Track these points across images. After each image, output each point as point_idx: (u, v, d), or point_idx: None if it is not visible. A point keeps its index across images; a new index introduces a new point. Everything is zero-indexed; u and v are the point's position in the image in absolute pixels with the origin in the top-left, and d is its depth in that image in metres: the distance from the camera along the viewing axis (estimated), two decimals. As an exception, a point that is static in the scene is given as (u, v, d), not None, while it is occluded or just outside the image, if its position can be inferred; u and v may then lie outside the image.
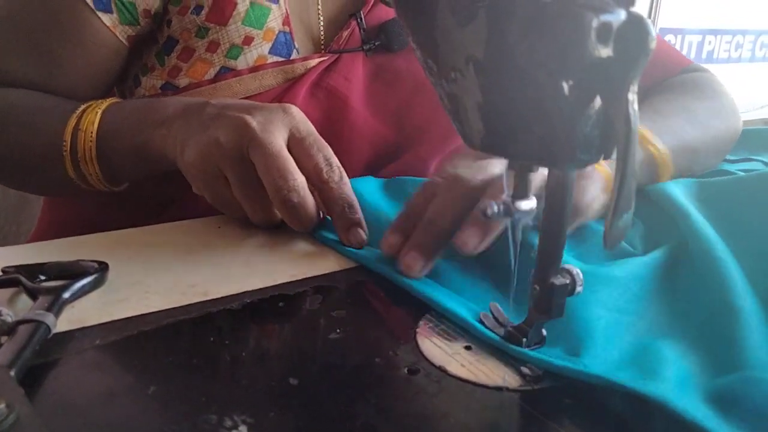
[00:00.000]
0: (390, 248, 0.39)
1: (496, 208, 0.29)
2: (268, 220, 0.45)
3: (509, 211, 0.29)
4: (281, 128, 0.43)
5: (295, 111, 0.44)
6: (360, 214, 0.43)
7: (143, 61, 0.56)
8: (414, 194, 0.41)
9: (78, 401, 0.26)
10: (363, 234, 0.42)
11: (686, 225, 0.41)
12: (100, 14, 0.51)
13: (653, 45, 0.23)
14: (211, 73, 0.54)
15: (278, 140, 0.42)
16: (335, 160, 0.44)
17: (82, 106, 0.50)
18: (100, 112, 0.49)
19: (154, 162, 0.48)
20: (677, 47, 2.21)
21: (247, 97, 0.54)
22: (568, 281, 0.29)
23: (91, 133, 0.48)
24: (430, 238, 0.38)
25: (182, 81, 0.54)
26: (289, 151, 0.43)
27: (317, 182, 0.43)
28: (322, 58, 0.57)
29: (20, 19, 0.53)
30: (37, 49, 0.53)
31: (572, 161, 0.26)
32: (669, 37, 2.26)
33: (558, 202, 0.28)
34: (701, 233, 0.39)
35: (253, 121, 0.42)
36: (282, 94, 0.56)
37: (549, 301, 0.29)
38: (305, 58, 0.56)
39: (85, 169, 0.50)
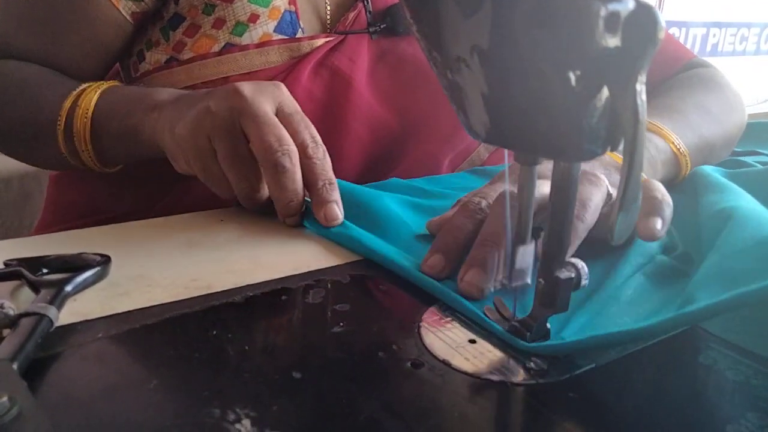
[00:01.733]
0: (432, 269, 0.37)
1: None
2: (253, 195, 0.45)
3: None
4: (270, 100, 0.44)
5: (284, 88, 0.45)
6: (338, 193, 0.44)
7: (148, 36, 0.57)
8: (454, 214, 0.41)
9: (80, 394, 0.26)
10: (338, 211, 0.43)
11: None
12: None
13: (662, 35, 0.23)
14: (215, 48, 0.54)
15: (269, 109, 0.43)
16: (320, 139, 0.45)
17: (83, 86, 0.51)
18: (98, 92, 0.50)
19: (143, 145, 0.49)
20: (681, 40, 2.21)
21: (251, 73, 0.55)
22: (573, 275, 0.29)
23: (87, 110, 0.49)
24: (489, 256, 0.36)
25: (186, 55, 0.55)
26: None
27: (302, 157, 0.43)
28: (328, 38, 0.57)
29: None
30: (43, 24, 0.54)
31: (578, 153, 0.25)
32: (673, 30, 2.25)
33: (564, 195, 0.28)
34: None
35: (244, 90, 0.43)
36: (287, 71, 0.56)
37: (554, 295, 0.29)
38: (311, 37, 0.57)
39: (78, 145, 0.51)
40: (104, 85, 0.52)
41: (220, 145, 0.43)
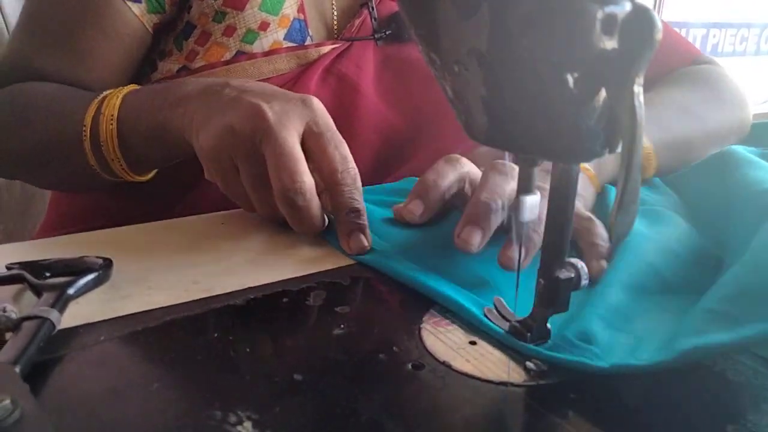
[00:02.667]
0: (410, 213, 0.40)
1: (499, 203, 0.28)
2: (274, 215, 0.43)
3: (513, 204, 0.29)
4: (297, 121, 0.41)
5: (316, 104, 0.43)
6: (365, 221, 0.42)
7: (161, 47, 0.57)
8: (435, 163, 0.43)
9: (82, 397, 0.26)
10: (365, 241, 0.41)
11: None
12: (130, 4, 0.53)
13: (659, 37, 0.23)
14: (227, 56, 0.55)
15: (292, 136, 0.41)
16: (351, 161, 0.42)
17: (104, 93, 0.50)
18: (121, 95, 0.49)
19: (172, 144, 0.47)
20: (682, 40, 2.20)
21: (260, 80, 0.54)
22: (573, 275, 0.29)
23: (112, 116, 0.48)
24: (488, 215, 0.37)
25: (198, 63, 0.55)
26: (304, 144, 0.41)
27: (330, 183, 0.42)
28: (334, 45, 0.58)
29: (52, 12, 0.54)
30: (68, 42, 0.54)
31: (577, 155, 0.26)
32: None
33: (562, 196, 0.28)
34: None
35: (269, 111, 0.41)
36: (295, 79, 0.57)
37: (554, 295, 0.29)
38: (318, 45, 0.57)
39: (107, 154, 0.49)
40: (125, 89, 0.50)
41: (243, 168, 0.42)
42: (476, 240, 0.37)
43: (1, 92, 0.54)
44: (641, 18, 0.23)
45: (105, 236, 0.44)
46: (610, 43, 0.23)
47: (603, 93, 0.24)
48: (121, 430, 0.24)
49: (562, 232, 0.28)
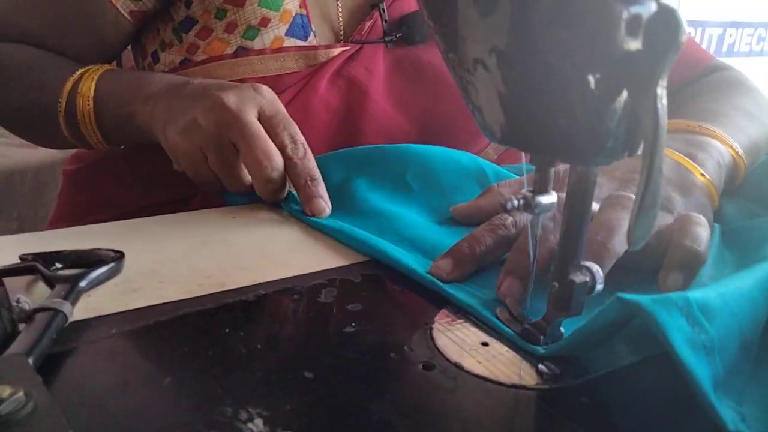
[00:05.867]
0: (439, 270, 0.37)
1: (516, 202, 0.28)
2: (243, 190, 0.48)
3: (529, 205, 0.29)
4: (253, 107, 0.46)
5: (265, 90, 0.48)
6: (322, 187, 0.47)
7: (161, 37, 0.58)
8: (477, 229, 0.40)
9: (94, 390, 0.26)
10: (324, 204, 0.46)
11: None
12: None
13: (684, 38, 0.22)
14: (228, 51, 0.55)
15: (254, 119, 0.45)
16: (300, 137, 0.47)
17: (80, 71, 0.53)
18: (96, 77, 0.52)
19: (141, 132, 0.51)
20: (697, 40, 2.18)
21: (268, 77, 0.55)
22: (587, 279, 0.28)
23: (88, 97, 0.52)
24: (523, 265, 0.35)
25: (200, 56, 0.56)
26: None
27: (284, 157, 0.46)
28: (344, 48, 0.57)
29: None
30: (43, 11, 0.56)
31: (596, 157, 0.25)
32: (689, 30, 2.22)
33: (579, 199, 0.27)
34: None
35: (228, 101, 0.45)
36: (305, 81, 0.56)
37: (568, 299, 0.29)
38: (328, 47, 0.56)
39: (84, 130, 0.53)
40: (99, 70, 0.53)
41: (211, 157, 0.46)
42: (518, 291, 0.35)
43: None
44: (667, 19, 0.22)
45: (117, 228, 0.44)
46: (634, 44, 0.23)
47: (625, 94, 0.24)
48: (132, 423, 0.24)
49: (578, 235, 0.28)
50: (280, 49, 0.55)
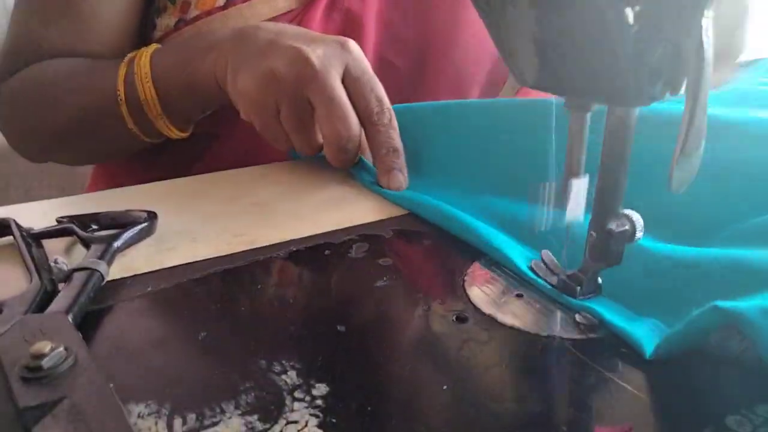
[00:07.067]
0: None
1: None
2: (312, 152, 0.45)
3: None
4: (338, 65, 0.42)
5: (353, 46, 0.44)
6: (403, 159, 0.43)
7: (156, 4, 0.56)
8: None
9: (131, 345, 0.26)
10: (402, 178, 0.43)
11: None
12: None
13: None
14: (220, 2, 0.52)
15: (337, 81, 0.42)
16: (386, 101, 0.44)
17: (129, 55, 0.50)
18: (148, 54, 0.49)
19: (204, 93, 0.48)
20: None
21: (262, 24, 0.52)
22: (627, 227, 0.27)
23: (147, 74, 0.48)
24: None
25: (192, 13, 0.53)
26: (343, 85, 0.42)
27: (367, 123, 0.43)
28: None
29: None
30: (69, 11, 0.53)
31: (637, 96, 0.24)
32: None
33: (619, 143, 0.26)
34: None
35: (312, 55, 0.41)
36: (298, 17, 0.54)
37: (606, 249, 0.28)
38: None
39: (150, 113, 0.49)
40: (149, 48, 0.50)
41: (285, 111, 0.43)
42: None
43: (17, 78, 0.54)
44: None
45: (149, 190, 0.45)
46: (677, -29, 0.21)
47: (667, 28, 0.22)
48: (169, 376, 0.25)
49: (616, 181, 0.27)
50: None
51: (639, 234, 0.28)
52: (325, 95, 0.41)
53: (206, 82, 0.46)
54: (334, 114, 0.41)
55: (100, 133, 0.53)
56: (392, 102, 0.56)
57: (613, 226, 0.27)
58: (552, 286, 0.30)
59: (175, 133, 0.51)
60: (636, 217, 0.28)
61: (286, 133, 0.44)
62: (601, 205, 0.27)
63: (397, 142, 0.43)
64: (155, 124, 0.50)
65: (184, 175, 0.48)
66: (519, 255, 0.33)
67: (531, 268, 0.32)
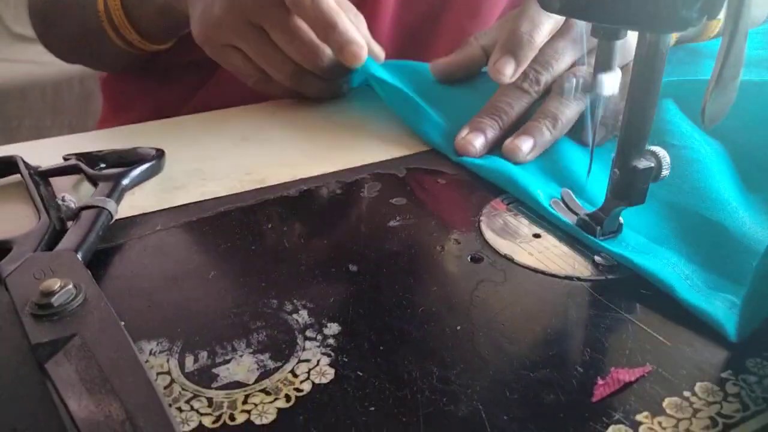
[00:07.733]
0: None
1: (574, 82, 0.25)
2: (318, 63, 0.43)
3: (588, 85, 0.26)
4: None
5: None
6: (338, 34, 0.40)
7: None
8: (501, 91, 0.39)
9: (141, 283, 0.26)
10: (357, 49, 0.40)
11: None
12: None
13: None
14: None
15: None
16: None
17: None
18: None
19: (180, 23, 0.47)
20: None
21: None
22: (653, 164, 0.26)
23: (116, 1, 0.49)
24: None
25: None
26: None
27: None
28: None
29: None
30: None
31: (670, 21, 0.22)
32: None
33: (647, 73, 0.24)
34: None
35: None
36: None
37: (629, 187, 0.26)
38: None
39: (127, 35, 0.51)
40: None
41: (272, 20, 0.41)
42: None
43: None
44: None
45: (157, 127, 0.44)
46: None
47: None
48: (179, 313, 0.24)
49: (643, 115, 0.25)
50: None
51: (665, 172, 0.26)
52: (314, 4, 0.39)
53: (179, 14, 0.46)
54: (327, 20, 0.40)
55: (98, 48, 0.55)
56: (411, 54, 0.53)
57: (637, 162, 0.26)
58: (572, 224, 0.29)
59: (149, 48, 0.52)
60: (662, 153, 0.26)
61: (281, 53, 0.42)
62: (627, 140, 0.26)
63: (331, 16, 0.40)
64: (135, 44, 0.51)
65: (189, 102, 0.47)
66: (541, 192, 0.32)
67: (550, 206, 0.31)
